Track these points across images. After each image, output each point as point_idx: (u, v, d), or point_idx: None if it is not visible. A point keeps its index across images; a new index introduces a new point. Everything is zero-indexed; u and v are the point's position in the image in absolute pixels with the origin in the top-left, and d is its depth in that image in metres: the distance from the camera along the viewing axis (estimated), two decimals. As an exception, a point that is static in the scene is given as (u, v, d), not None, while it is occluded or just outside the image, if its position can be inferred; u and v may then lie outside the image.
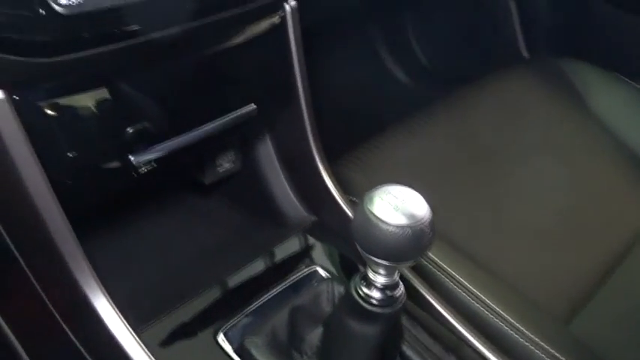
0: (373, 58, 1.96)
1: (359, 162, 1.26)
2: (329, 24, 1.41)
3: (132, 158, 0.90)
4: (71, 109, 0.87)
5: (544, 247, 1.18)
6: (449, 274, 1.06)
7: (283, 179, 1.15)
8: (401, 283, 0.81)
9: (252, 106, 1.02)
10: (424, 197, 0.75)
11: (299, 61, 1.07)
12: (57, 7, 0.73)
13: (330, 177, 1.11)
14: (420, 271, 1.06)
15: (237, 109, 1.01)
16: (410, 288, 0.99)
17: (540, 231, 1.21)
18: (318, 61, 1.24)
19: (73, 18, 0.74)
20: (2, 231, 0.84)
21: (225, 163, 1.14)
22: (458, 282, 1.05)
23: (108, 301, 0.81)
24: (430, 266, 1.07)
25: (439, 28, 1.99)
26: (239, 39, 0.99)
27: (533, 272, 1.13)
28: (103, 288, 0.82)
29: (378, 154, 1.29)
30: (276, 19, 1.04)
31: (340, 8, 1.37)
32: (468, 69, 1.75)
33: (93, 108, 0.89)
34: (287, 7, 1.03)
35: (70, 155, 0.88)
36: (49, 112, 0.84)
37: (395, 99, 1.84)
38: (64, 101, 0.85)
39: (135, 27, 0.81)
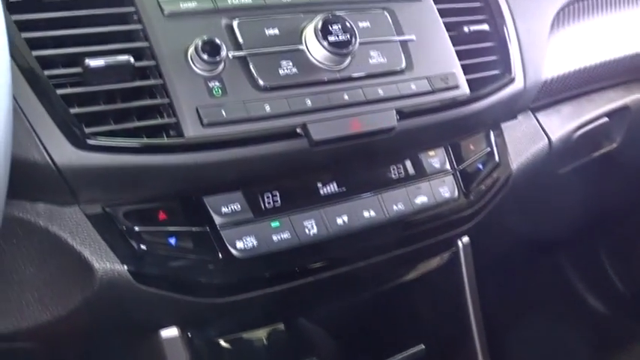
0: (561, 284, 1.83)
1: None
2: (508, 253, 1.36)
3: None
4: (241, 343, 0.89)
5: None
6: None
7: None
8: None
9: (421, 346, 0.98)
10: None
11: (472, 297, 1.03)
12: (234, 252, 0.78)
13: None
14: None
15: (405, 349, 0.97)
16: None
17: None
18: (495, 292, 1.17)
19: (247, 261, 0.79)
20: None
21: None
22: None
23: None
24: None
25: (638, 250, 1.83)
26: (410, 276, 0.99)
27: None
28: None
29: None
30: (448, 256, 1.03)
31: (519, 241, 1.33)
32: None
33: (264, 341, 0.91)
34: (459, 244, 1.02)
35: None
36: (220, 346, 0.87)
37: (590, 331, 1.66)
38: (234, 336, 0.88)
39: (305, 267, 0.85)
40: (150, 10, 0.76)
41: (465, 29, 0.97)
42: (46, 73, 0.69)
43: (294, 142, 0.79)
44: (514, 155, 1.04)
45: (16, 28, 0.69)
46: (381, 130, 0.84)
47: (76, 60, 0.71)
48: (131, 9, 0.76)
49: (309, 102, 0.80)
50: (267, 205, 0.82)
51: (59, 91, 0.69)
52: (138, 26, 0.75)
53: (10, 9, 0.69)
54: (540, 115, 1.11)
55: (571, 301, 1.79)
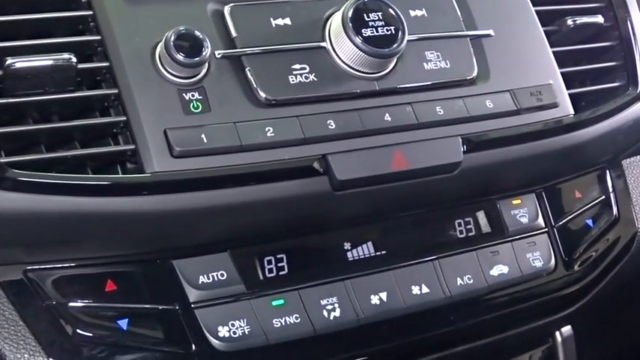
0: None
1: None
2: (630, 351, 1.28)
3: None
4: None
5: None
6: None
7: None
8: None
9: None
10: None
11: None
12: (215, 342, 0.74)
13: None
14: None
15: None
16: None
17: None
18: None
19: (234, 356, 0.75)
20: None
21: None
22: None
23: None
24: None
25: None
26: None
27: None
28: None
29: None
30: (540, 354, 0.97)
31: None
32: None
33: None
34: (557, 337, 0.96)
35: None
36: None
37: None
38: None
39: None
40: None
41: (569, 22, 0.92)
42: None
43: (308, 183, 0.74)
44: (642, 207, 0.99)
45: None
46: (439, 168, 0.79)
47: None
48: None
49: (332, 124, 0.75)
50: (266, 273, 0.78)
51: None
52: (86, 12, 0.72)
53: None
54: (682, 149, 1.05)
55: None
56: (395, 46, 0.76)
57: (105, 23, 0.72)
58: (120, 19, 0.72)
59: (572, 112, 0.88)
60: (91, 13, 0.72)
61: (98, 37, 0.72)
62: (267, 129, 0.73)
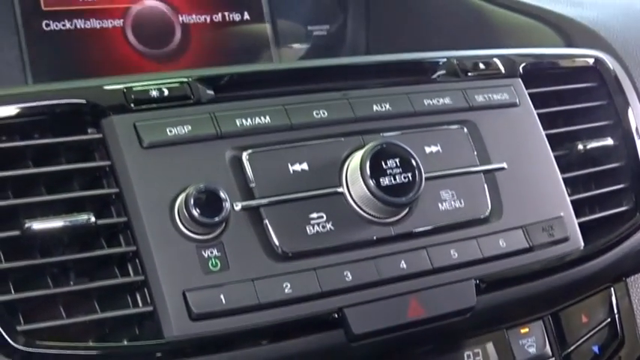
0: None
1: None
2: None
3: None
4: None
5: None
6: None
7: None
8: None
9: None
10: None
11: None
12: None
13: None
14: None
15: None
16: None
17: None
18: None
19: None
20: None
21: None
22: None
23: None
24: None
25: None
26: None
27: None
28: None
29: None
30: None
31: None
32: None
33: None
34: None
35: None
36: None
37: None
38: None
39: None
40: (123, 139, 0.73)
41: (580, 147, 0.94)
42: None
43: (324, 337, 0.75)
44: (647, 327, 1.00)
45: None
46: (453, 313, 0.80)
47: (12, 220, 0.68)
48: (96, 136, 0.73)
49: (348, 275, 0.76)
50: None
51: None
52: (104, 163, 0.73)
53: None
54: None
55: None
56: (412, 195, 0.77)
57: (123, 174, 0.72)
58: (138, 169, 0.72)
59: (582, 244, 0.88)
60: (109, 163, 0.72)
61: (116, 190, 0.72)
62: (284, 284, 0.73)
